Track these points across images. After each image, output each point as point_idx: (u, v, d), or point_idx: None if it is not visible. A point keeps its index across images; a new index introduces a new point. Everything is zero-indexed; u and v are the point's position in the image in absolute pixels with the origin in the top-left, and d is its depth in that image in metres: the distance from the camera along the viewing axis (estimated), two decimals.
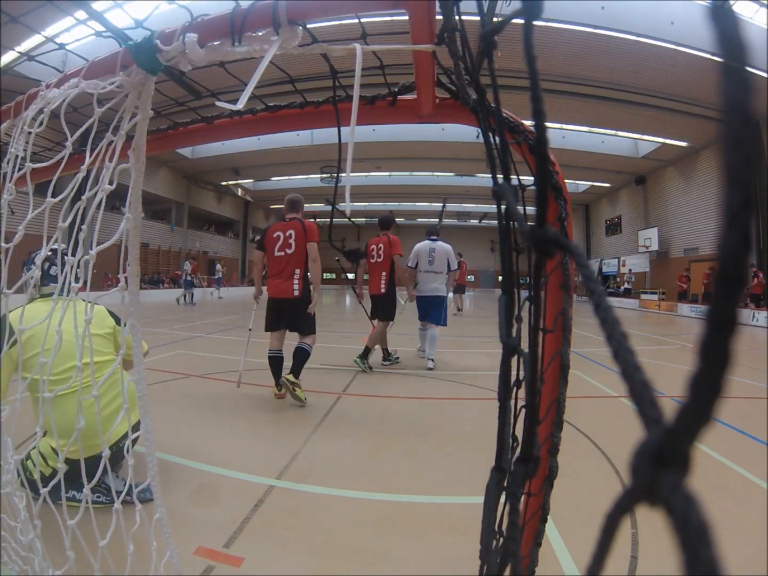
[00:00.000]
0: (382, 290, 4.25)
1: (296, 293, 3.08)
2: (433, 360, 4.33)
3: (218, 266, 16.25)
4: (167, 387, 3.38)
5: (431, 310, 4.46)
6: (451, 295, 8.05)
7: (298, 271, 3.11)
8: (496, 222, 0.54)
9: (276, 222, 3.29)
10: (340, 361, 4.54)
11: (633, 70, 10.36)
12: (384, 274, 4.24)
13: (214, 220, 23.73)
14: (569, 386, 0.75)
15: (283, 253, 3.13)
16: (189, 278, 13.16)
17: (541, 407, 0.73)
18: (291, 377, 2.96)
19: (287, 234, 3.14)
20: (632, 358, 0.20)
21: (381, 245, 4.32)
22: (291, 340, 3.19)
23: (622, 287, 18.57)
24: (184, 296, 13.10)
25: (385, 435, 2.52)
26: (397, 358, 4.53)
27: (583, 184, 20.65)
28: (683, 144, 14.32)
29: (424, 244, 4.60)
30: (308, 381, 3.73)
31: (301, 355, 3.07)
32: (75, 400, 0.90)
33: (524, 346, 0.52)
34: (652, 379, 0.19)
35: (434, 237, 4.65)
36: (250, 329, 3.49)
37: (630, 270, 18.44)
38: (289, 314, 3.14)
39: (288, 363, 3.12)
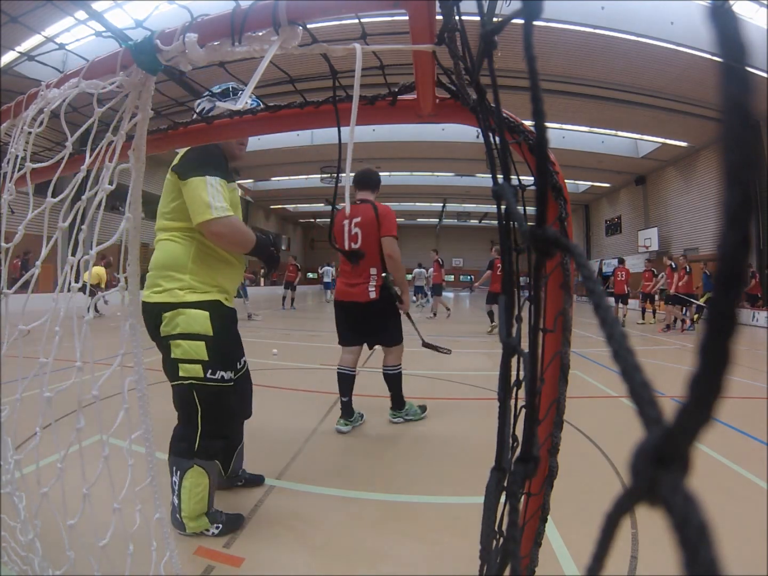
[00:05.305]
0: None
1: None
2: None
3: (328, 267, 16.82)
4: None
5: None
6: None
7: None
8: (496, 222, 0.54)
9: (495, 257, 7.54)
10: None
11: (633, 70, 10.35)
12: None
13: None
14: (569, 386, 0.75)
15: (497, 274, 7.36)
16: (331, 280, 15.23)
17: (541, 407, 0.73)
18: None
19: (497, 264, 7.12)
20: (632, 358, 0.20)
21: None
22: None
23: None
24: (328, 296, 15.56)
25: (385, 435, 2.52)
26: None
27: (583, 184, 20.62)
28: (683, 144, 14.31)
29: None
30: (308, 381, 3.74)
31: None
32: None
33: (524, 346, 0.52)
34: (652, 379, 0.19)
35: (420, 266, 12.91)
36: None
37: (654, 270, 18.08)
38: (495, 297, 7.30)
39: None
